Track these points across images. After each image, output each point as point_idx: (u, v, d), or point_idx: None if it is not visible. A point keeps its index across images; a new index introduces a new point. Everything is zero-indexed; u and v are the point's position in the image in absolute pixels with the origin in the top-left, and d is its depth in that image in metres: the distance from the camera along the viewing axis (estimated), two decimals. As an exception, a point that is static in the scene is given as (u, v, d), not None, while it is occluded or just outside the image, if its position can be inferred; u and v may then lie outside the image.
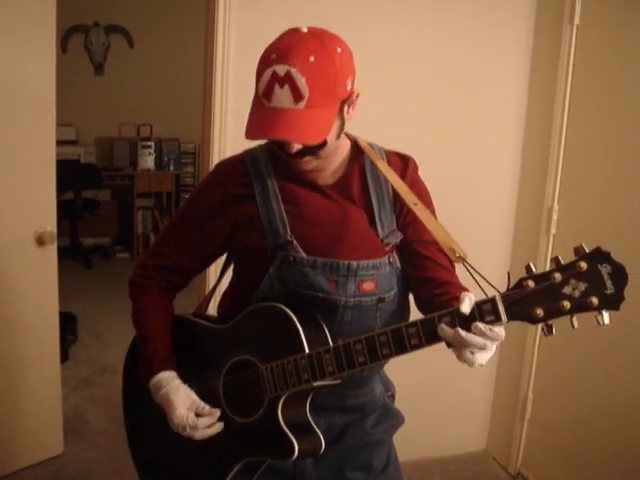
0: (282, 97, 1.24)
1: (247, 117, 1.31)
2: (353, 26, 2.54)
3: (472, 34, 2.79)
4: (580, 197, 2.74)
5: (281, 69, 1.24)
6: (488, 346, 1.14)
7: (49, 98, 2.68)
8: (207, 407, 1.42)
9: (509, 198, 3.03)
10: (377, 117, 2.48)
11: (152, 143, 6.34)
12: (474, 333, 1.12)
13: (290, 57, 1.24)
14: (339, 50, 1.29)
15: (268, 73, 1.25)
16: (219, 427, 1.41)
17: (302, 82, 1.23)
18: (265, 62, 1.27)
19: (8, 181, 2.63)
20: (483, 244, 2.90)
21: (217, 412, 1.42)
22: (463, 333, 1.13)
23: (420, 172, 1.51)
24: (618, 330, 2.20)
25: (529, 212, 2.96)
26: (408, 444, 1.78)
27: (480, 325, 1.12)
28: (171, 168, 6.48)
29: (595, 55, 2.65)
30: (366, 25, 2.61)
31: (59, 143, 2.95)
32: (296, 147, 1.30)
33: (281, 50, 1.26)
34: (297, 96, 1.24)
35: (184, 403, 1.40)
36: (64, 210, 5.09)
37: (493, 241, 3.04)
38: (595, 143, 2.66)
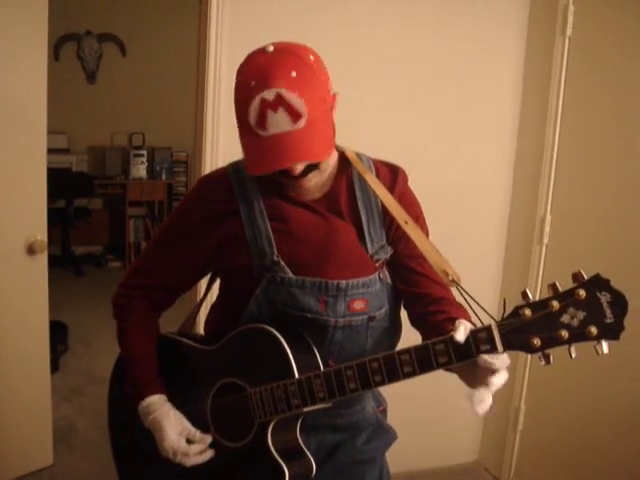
0: (279, 121, 1.18)
1: (243, 149, 1.26)
2: (346, 27, 2.57)
3: (463, 45, 2.79)
4: (573, 207, 2.74)
5: (269, 94, 1.17)
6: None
7: (40, 106, 2.67)
8: (198, 433, 1.38)
9: (502, 207, 3.03)
10: (365, 125, 2.49)
11: (144, 152, 6.32)
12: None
13: (272, 79, 1.17)
14: (312, 58, 1.24)
15: (256, 102, 1.18)
16: (210, 454, 1.38)
17: (296, 100, 1.17)
18: (247, 91, 1.20)
19: (-2, 189, 2.61)
20: (475, 254, 2.90)
21: (209, 438, 1.38)
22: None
23: (410, 181, 1.46)
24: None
25: (522, 222, 2.95)
26: (399, 455, 1.76)
27: (485, 357, 1.11)
28: (163, 177, 6.47)
29: (587, 66, 2.65)
30: (357, 28, 2.61)
31: (51, 151, 2.93)
32: (299, 168, 1.25)
33: (259, 75, 1.19)
34: (295, 115, 1.18)
35: (175, 429, 1.36)
36: (55, 218, 5.08)
37: (485, 251, 3.03)
38: (588, 153, 2.66)
